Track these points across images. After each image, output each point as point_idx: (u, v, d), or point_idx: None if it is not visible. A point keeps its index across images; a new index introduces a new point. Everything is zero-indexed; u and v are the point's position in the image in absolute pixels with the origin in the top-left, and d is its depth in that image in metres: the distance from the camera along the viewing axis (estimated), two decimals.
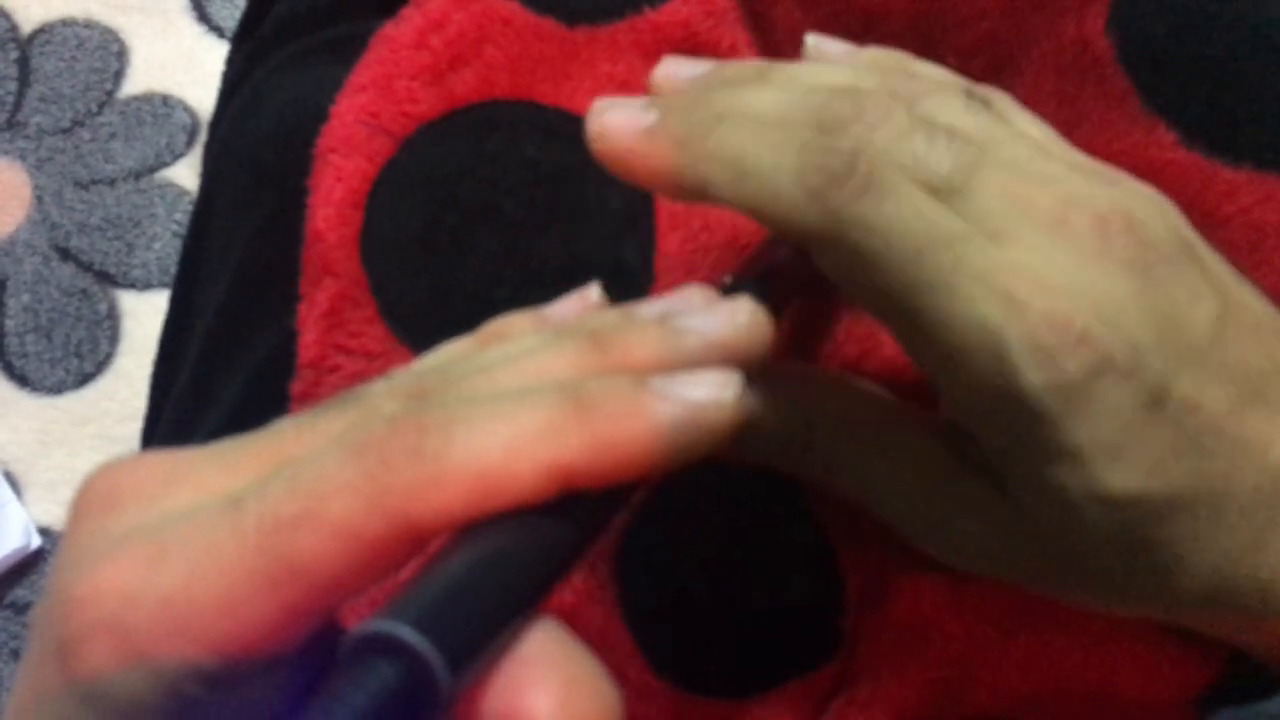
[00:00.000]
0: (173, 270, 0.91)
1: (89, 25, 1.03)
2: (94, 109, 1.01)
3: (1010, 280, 0.22)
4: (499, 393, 0.20)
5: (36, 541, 0.91)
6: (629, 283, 0.34)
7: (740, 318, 0.23)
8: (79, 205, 0.98)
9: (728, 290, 0.25)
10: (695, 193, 0.24)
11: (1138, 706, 0.33)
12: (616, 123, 0.25)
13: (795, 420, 0.26)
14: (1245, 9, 0.33)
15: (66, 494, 0.82)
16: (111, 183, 0.99)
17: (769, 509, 0.33)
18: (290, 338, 0.35)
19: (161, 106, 1.01)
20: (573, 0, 0.37)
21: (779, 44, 0.39)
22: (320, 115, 0.36)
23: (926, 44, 0.36)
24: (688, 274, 0.34)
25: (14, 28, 1.03)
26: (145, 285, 0.97)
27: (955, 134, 0.24)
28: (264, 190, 0.38)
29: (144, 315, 0.96)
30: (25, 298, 0.97)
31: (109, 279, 0.97)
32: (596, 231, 0.34)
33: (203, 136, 1.00)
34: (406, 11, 0.37)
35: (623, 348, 0.22)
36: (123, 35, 1.03)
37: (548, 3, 0.37)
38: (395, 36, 0.37)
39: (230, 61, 0.45)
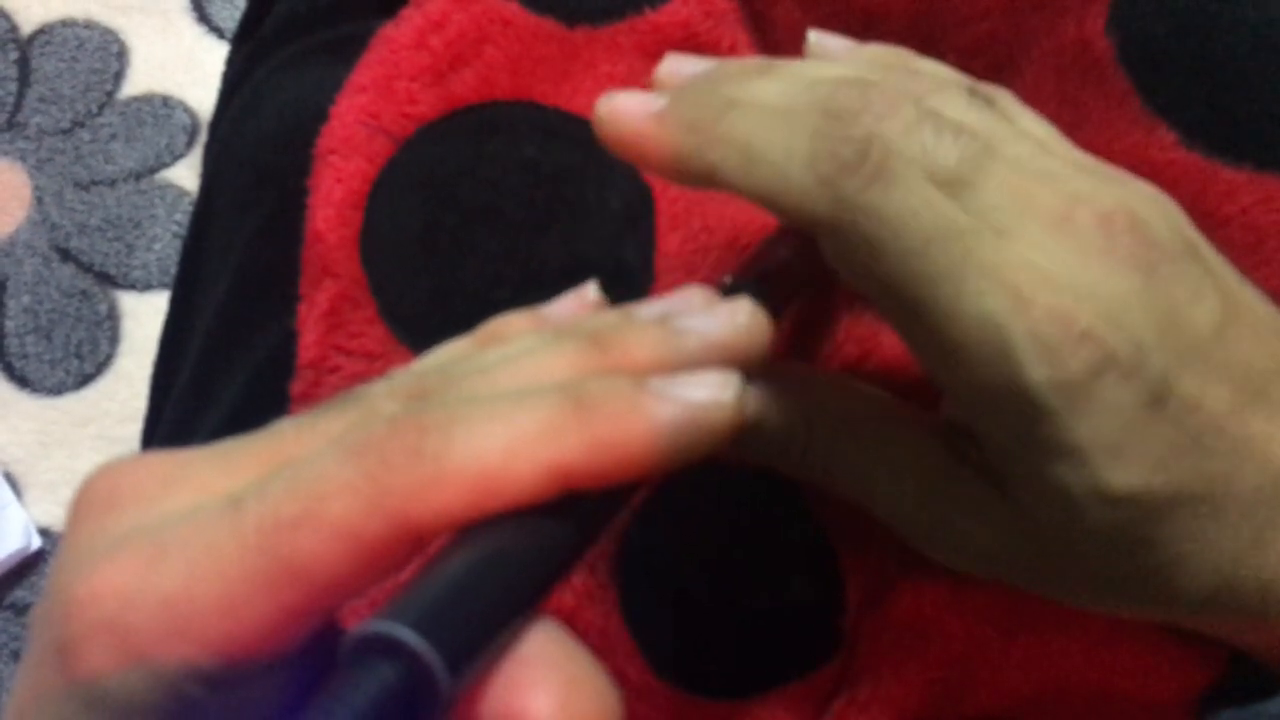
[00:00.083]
0: (173, 271, 0.91)
1: (89, 26, 1.03)
2: (94, 110, 1.01)
3: (1015, 275, 0.22)
4: (499, 393, 0.20)
5: (37, 542, 0.91)
6: (629, 283, 0.34)
7: (740, 318, 0.23)
8: (79, 206, 0.98)
9: (728, 291, 0.25)
10: (703, 178, 0.24)
11: (1138, 707, 0.33)
12: (627, 106, 0.25)
13: (795, 420, 0.26)
14: (1245, 9, 0.33)
15: (66, 495, 0.82)
16: (112, 183, 0.99)
17: (769, 509, 0.33)
18: (290, 338, 0.35)
19: (161, 107, 1.01)
20: (573, 1, 0.37)
21: (779, 44, 0.39)
22: (320, 116, 0.36)
23: (927, 44, 0.36)
24: (688, 274, 0.34)
25: (14, 28, 1.03)
26: (145, 286, 0.97)
27: (961, 129, 0.24)
28: (264, 191, 0.38)
29: (144, 316, 0.96)
30: (25, 299, 0.97)
31: (109, 280, 0.97)
32: (596, 232, 0.34)
33: (203, 137, 1.00)
34: (406, 12, 0.37)
35: (622, 348, 0.22)
36: (123, 36, 1.03)
37: (548, 3, 0.37)
38: (395, 37, 0.37)
39: (230, 62, 0.45)
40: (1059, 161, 0.25)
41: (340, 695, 0.17)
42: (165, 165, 0.99)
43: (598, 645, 0.33)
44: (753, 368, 0.23)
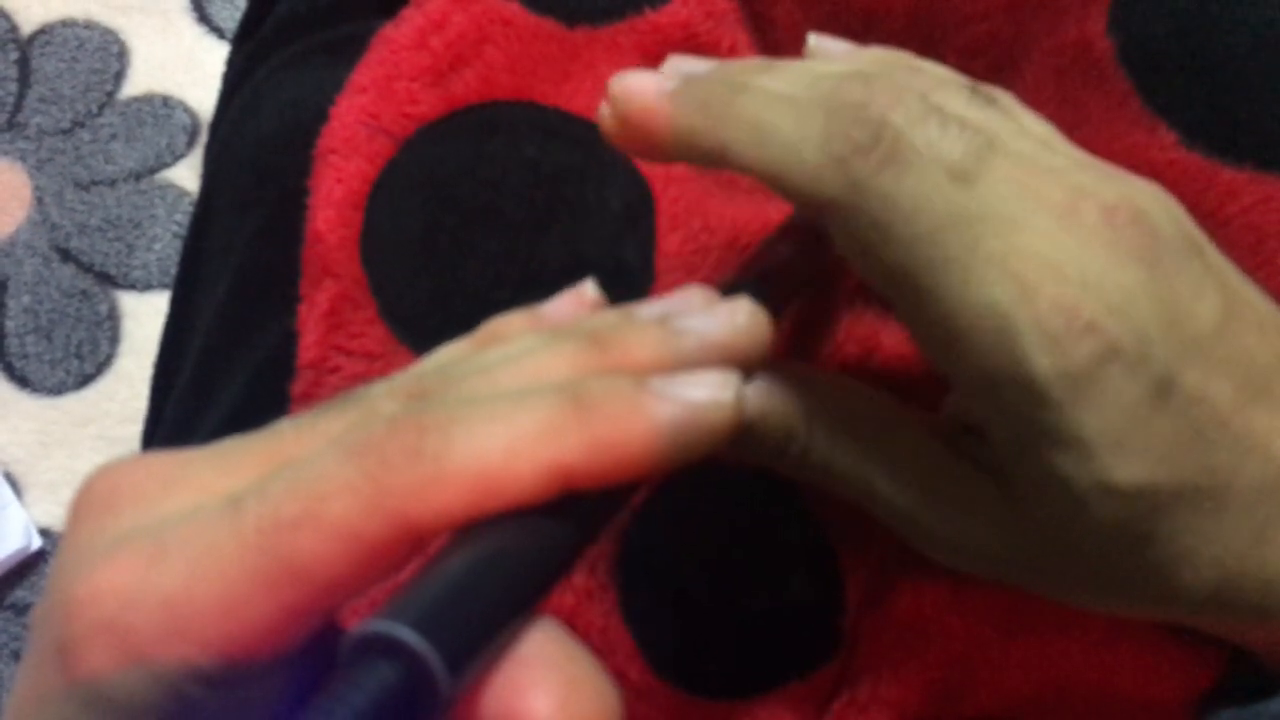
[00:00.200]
0: (173, 271, 0.91)
1: (89, 26, 1.03)
2: (94, 110, 1.01)
3: (1022, 265, 0.22)
4: (498, 393, 0.20)
5: (37, 542, 0.91)
6: (629, 283, 0.34)
7: (740, 318, 0.23)
8: (79, 206, 0.98)
9: (728, 291, 0.25)
10: (713, 157, 0.24)
11: (1139, 707, 0.33)
12: (640, 84, 0.25)
13: (794, 420, 0.26)
14: (1245, 9, 0.33)
15: (67, 495, 0.82)
16: (112, 184, 0.99)
17: (769, 509, 0.33)
18: (291, 338, 0.35)
19: (162, 107, 1.01)
20: (573, 1, 0.37)
21: (779, 44, 0.39)
22: (320, 116, 0.36)
23: (927, 44, 0.36)
24: (688, 274, 0.34)
25: (14, 29, 1.03)
26: (146, 286, 0.97)
27: (965, 123, 0.24)
28: (264, 191, 0.38)
29: (144, 316, 0.96)
30: (26, 299, 0.97)
31: (109, 280, 0.97)
32: (597, 232, 0.34)
33: (203, 137, 1.00)
34: (407, 12, 0.37)
35: (622, 348, 0.22)
36: (123, 36, 1.03)
37: (548, 3, 0.37)
38: (395, 37, 0.37)
39: (230, 62, 0.45)
40: (1061, 157, 0.25)
41: (340, 695, 0.17)
42: (165, 165, 0.99)
43: (598, 645, 0.33)
44: (752, 367, 0.23)
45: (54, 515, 0.93)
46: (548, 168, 0.35)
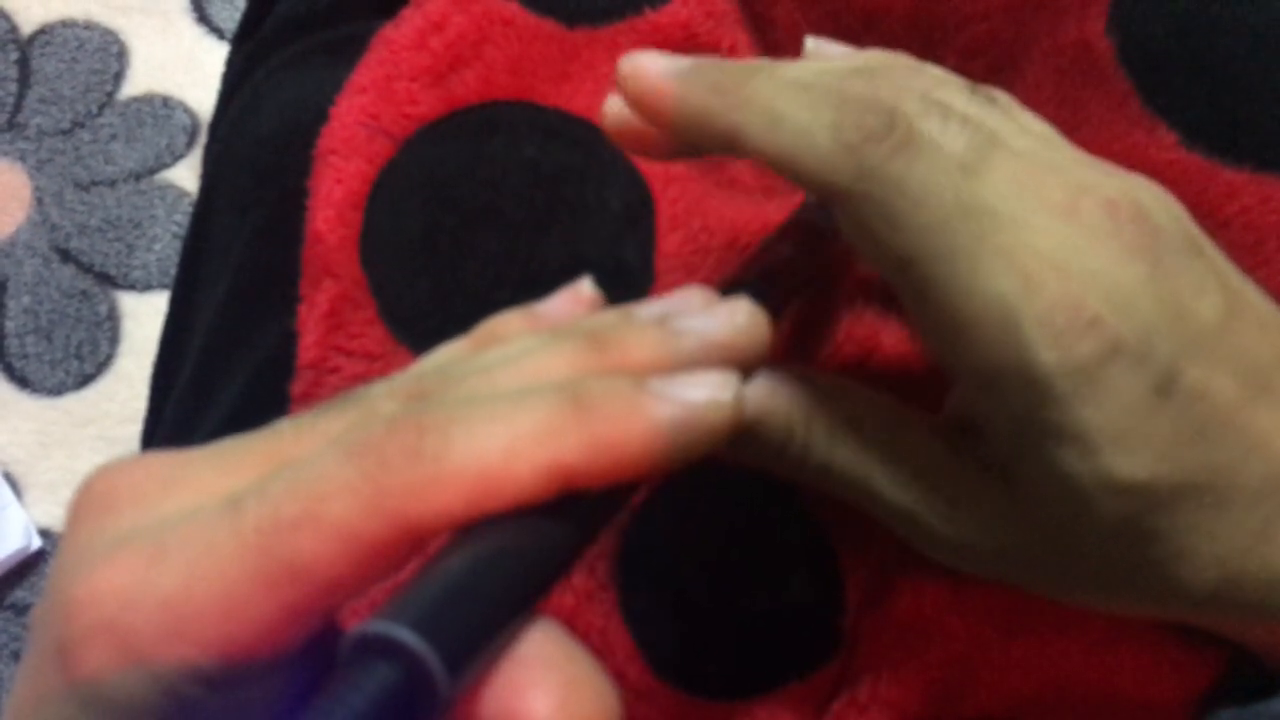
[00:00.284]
0: (173, 272, 0.91)
1: (89, 26, 1.03)
2: (94, 110, 1.01)
3: (1027, 260, 0.22)
4: (498, 393, 0.20)
5: (37, 543, 0.91)
6: (629, 283, 0.34)
7: (739, 319, 0.23)
8: (79, 206, 0.98)
9: (727, 291, 0.25)
10: (723, 140, 0.24)
11: (1138, 707, 0.33)
12: (651, 63, 0.25)
13: (793, 420, 0.26)
14: (1245, 9, 0.33)
15: (67, 495, 0.82)
16: (112, 184, 0.99)
17: (768, 510, 0.33)
18: (290, 339, 0.35)
19: (161, 108, 1.01)
20: (573, 1, 0.37)
21: (779, 44, 0.39)
22: (320, 116, 0.36)
23: (927, 44, 0.36)
24: (688, 275, 0.34)
25: (14, 29, 1.03)
26: (145, 287, 0.97)
27: (967, 119, 0.24)
28: (264, 191, 0.38)
29: (144, 316, 0.96)
30: (25, 299, 0.97)
31: (109, 280, 0.97)
32: (596, 232, 0.34)
33: (203, 138, 1.00)
34: (406, 13, 0.37)
35: (621, 348, 0.22)
36: (123, 36, 1.03)
37: (548, 4, 0.37)
38: (395, 38, 0.37)
39: (230, 63, 0.45)
40: (1061, 155, 0.25)
41: (339, 696, 0.17)
42: (165, 166, 0.99)
43: (597, 646, 0.33)
44: (751, 368, 0.23)
45: (54, 515, 0.93)
46: (548, 168, 0.35)
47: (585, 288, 0.25)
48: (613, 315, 0.24)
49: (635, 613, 0.33)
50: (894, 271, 0.23)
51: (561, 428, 0.19)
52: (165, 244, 0.98)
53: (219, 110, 0.45)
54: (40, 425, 0.94)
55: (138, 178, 0.99)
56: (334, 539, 0.18)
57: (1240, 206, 0.32)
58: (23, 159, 1.00)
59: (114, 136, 1.00)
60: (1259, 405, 0.23)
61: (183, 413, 0.39)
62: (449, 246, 0.34)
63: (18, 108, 1.01)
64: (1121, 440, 0.22)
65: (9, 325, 0.96)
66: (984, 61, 0.36)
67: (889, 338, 0.33)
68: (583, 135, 0.35)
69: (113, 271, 0.97)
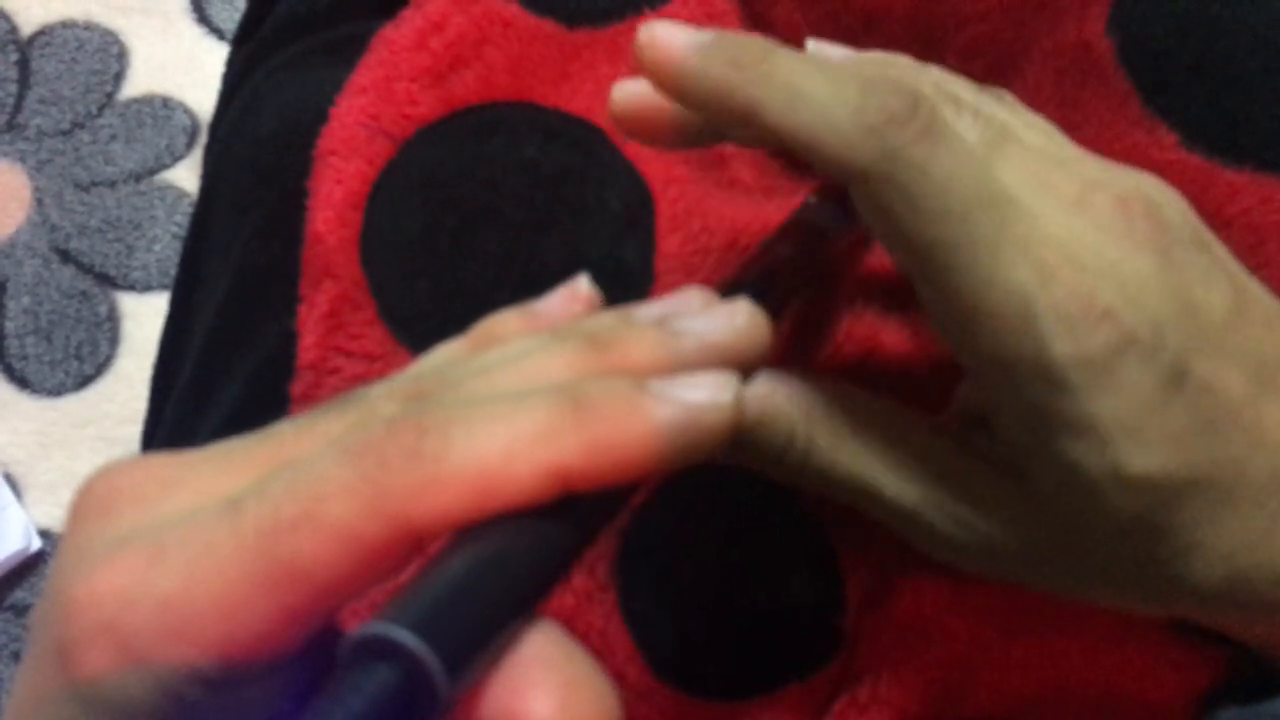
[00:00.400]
0: (173, 272, 0.91)
1: (89, 27, 1.03)
2: (94, 111, 1.01)
3: (1043, 251, 0.22)
4: (497, 394, 0.20)
5: (37, 544, 0.91)
6: (629, 284, 0.34)
7: (739, 320, 0.23)
8: (79, 207, 0.98)
9: (727, 291, 0.25)
10: (741, 115, 0.23)
11: (1139, 707, 0.33)
12: (670, 34, 0.24)
13: (794, 424, 0.26)
14: (1246, 10, 0.33)
15: (66, 496, 0.82)
16: (112, 185, 0.99)
17: (768, 510, 0.33)
18: (290, 339, 0.35)
19: (161, 108, 1.01)
20: (573, 2, 0.37)
21: None
22: (320, 117, 0.36)
23: (927, 45, 0.36)
24: (688, 275, 0.34)
25: (14, 30, 1.03)
26: (145, 287, 0.97)
27: (978, 111, 0.24)
28: (264, 192, 0.38)
29: (144, 317, 0.96)
30: (25, 300, 0.97)
31: (109, 281, 0.97)
32: (596, 233, 0.34)
33: (203, 138, 1.00)
34: (406, 13, 0.37)
35: (621, 350, 0.22)
36: (123, 37, 1.03)
37: (548, 4, 0.37)
38: (395, 38, 0.37)
39: (230, 63, 0.45)
40: (1068, 151, 0.25)
41: (338, 698, 0.17)
42: (165, 166, 1.00)
43: (597, 646, 0.33)
44: (752, 368, 0.23)
45: (54, 516, 0.93)
46: (548, 168, 0.35)
47: (582, 285, 0.25)
48: (612, 316, 0.24)
49: (635, 613, 0.33)
50: (912, 257, 0.23)
51: (561, 429, 0.19)
52: (165, 244, 0.98)
53: (219, 111, 0.45)
54: (40, 426, 0.94)
55: (138, 178, 0.99)
56: (333, 540, 0.18)
57: (1241, 207, 0.32)
58: (23, 159, 1.00)
59: (114, 137, 1.00)
60: (1266, 401, 0.23)
61: (183, 413, 0.39)
62: (449, 247, 0.34)
63: (18, 108, 1.01)
64: (1134, 433, 0.22)
65: (9, 326, 0.96)
66: (984, 62, 0.36)
67: (889, 337, 0.33)
68: (583, 136, 0.35)
69: (112, 272, 0.97)
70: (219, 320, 0.38)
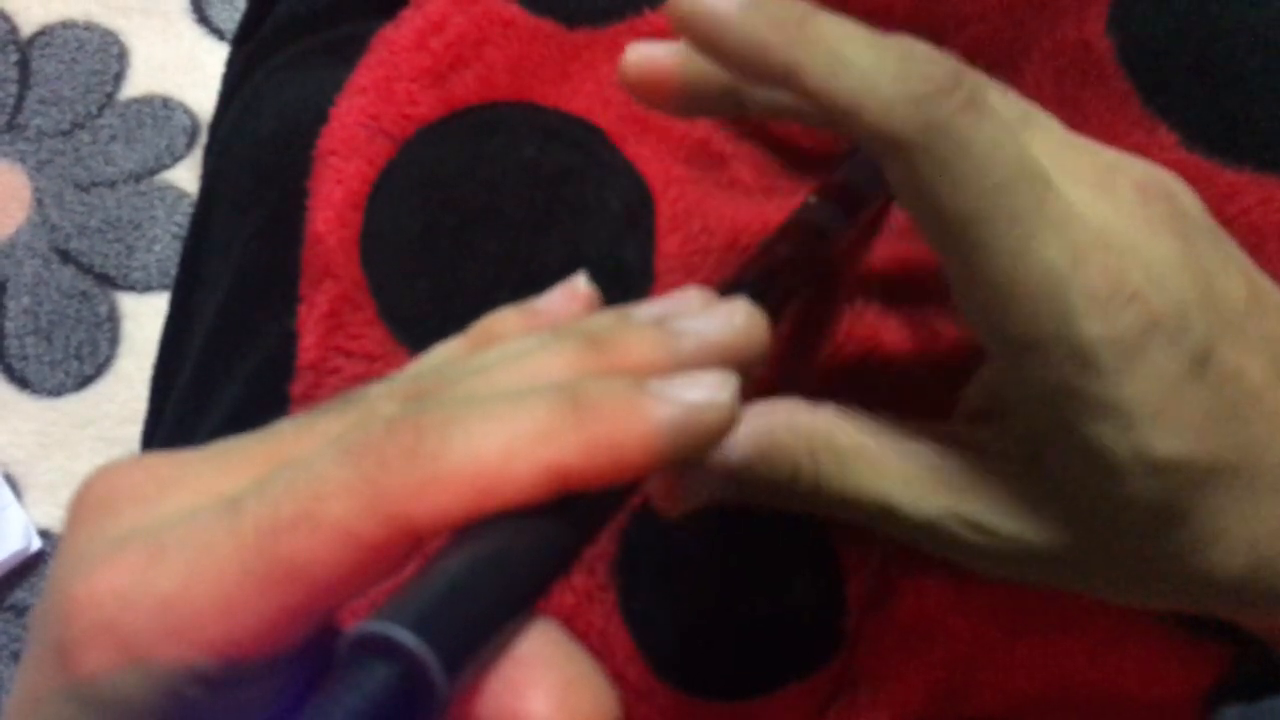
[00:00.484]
0: (173, 272, 0.91)
1: (89, 27, 1.03)
2: (94, 111, 1.01)
3: (1076, 230, 0.22)
4: (496, 394, 0.20)
5: (36, 544, 0.91)
6: (629, 284, 0.34)
7: (738, 319, 0.23)
8: (79, 207, 0.99)
9: (727, 291, 0.25)
10: (781, 77, 0.23)
11: (1143, 706, 0.33)
12: None
13: (798, 453, 0.25)
14: (1246, 10, 0.33)
15: (66, 496, 0.81)
16: (112, 185, 0.99)
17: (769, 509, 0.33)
18: (290, 339, 0.35)
19: (161, 109, 1.01)
20: (573, 2, 0.37)
21: None
22: (320, 117, 0.36)
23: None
24: (688, 275, 0.34)
25: (14, 30, 1.03)
26: (145, 287, 0.97)
27: (1006, 92, 0.24)
28: (264, 192, 0.38)
29: (144, 317, 0.97)
30: (25, 300, 0.97)
31: (109, 281, 0.97)
32: (596, 233, 0.34)
33: (203, 138, 1.00)
34: (406, 13, 0.37)
35: (620, 349, 0.22)
36: (123, 37, 1.03)
37: (548, 4, 0.37)
38: (395, 38, 0.37)
39: (230, 63, 0.45)
40: (1082, 138, 0.25)
41: (337, 696, 0.17)
42: (165, 167, 1.00)
43: (597, 646, 0.33)
44: (751, 368, 0.23)
45: (53, 516, 0.93)
46: (547, 168, 0.35)
47: (581, 284, 0.25)
48: (611, 316, 0.24)
49: (635, 613, 0.33)
50: (945, 232, 0.23)
51: (560, 428, 0.19)
52: (165, 245, 0.98)
53: (219, 111, 0.45)
54: (40, 426, 0.94)
55: (138, 179, 0.99)
56: (332, 539, 0.18)
57: (1241, 207, 0.32)
58: (23, 160, 1.00)
59: (114, 137, 1.00)
60: None
61: (183, 413, 0.39)
62: (449, 247, 0.34)
63: (18, 109, 1.01)
64: (1159, 416, 0.22)
65: (9, 326, 0.96)
66: (984, 62, 0.36)
67: (889, 337, 0.33)
68: (583, 136, 0.35)
69: (112, 272, 0.97)
70: (219, 320, 0.38)
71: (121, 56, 1.02)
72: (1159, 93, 0.33)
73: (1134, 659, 0.33)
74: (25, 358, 0.96)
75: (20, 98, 1.01)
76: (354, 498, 0.18)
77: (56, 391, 0.95)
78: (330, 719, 0.16)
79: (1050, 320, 0.22)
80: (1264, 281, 0.25)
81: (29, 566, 0.91)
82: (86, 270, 0.97)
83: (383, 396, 0.21)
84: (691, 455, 0.20)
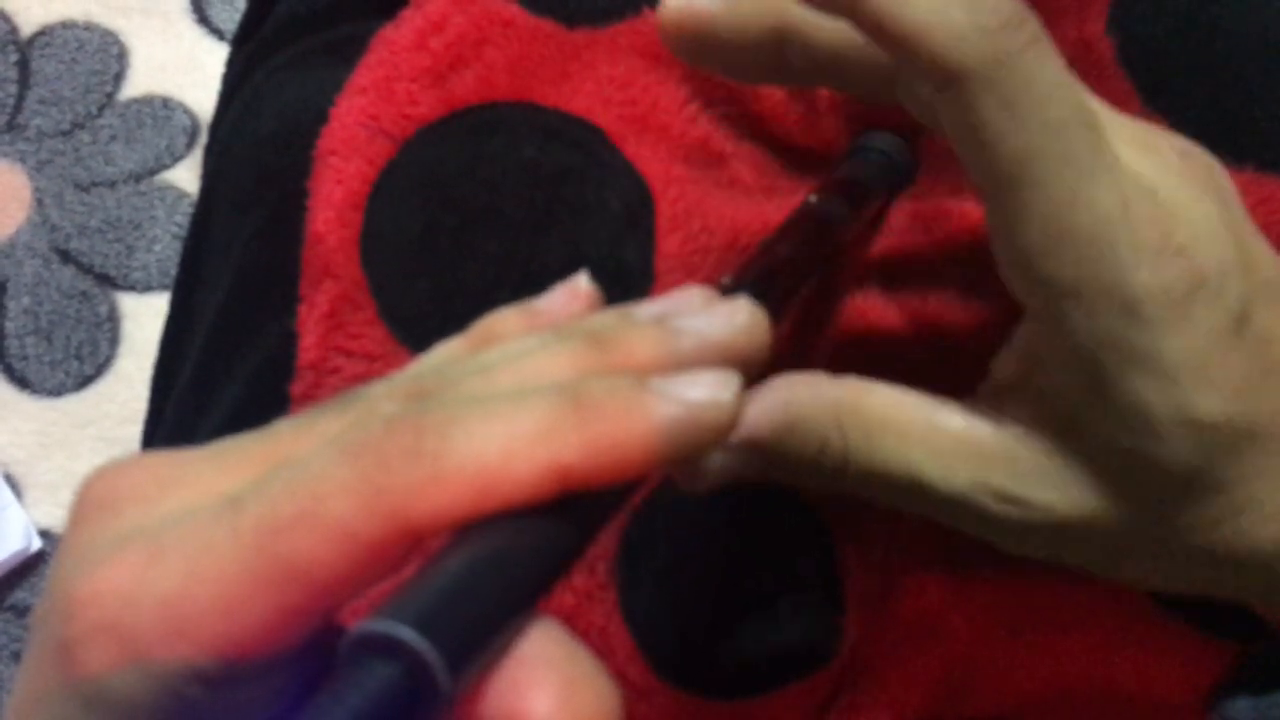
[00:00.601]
0: (173, 272, 0.91)
1: (89, 27, 1.03)
2: (94, 111, 1.01)
3: (1125, 181, 0.22)
4: (497, 393, 0.20)
5: (37, 544, 0.91)
6: (629, 284, 0.34)
7: (739, 318, 0.23)
8: (79, 207, 0.98)
9: (727, 291, 0.25)
10: (844, 6, 0.23)
11: (1146, 703, 0.33)
12: None
13: (825, 427, 0.25)
14: (1245, 9, 0.33)
15: (67, 496, 0.82)
16: (112, 185, 0.99)
17: (769, 509, 0.33)
18: (290, 339, 0.35)
19: (161, 109, 1.01)
20: (573, 2, 0.37)
21: None
22: (320, 117, 0.36)
23: None
24: (688, 275, 0.34)
25: (14, 30, 1.03)
26: (145, 287, 0.97)
27: None
28: (264, 192, 0.38)
29: (144, 317, 0.97)
30: (25, 300, 0.97)
31: (109, 281, 0.97)
32: (596, 232, 0.34)
33: (203, 139, 1.00)
34: (406, 13, 0.37)
35: (621, 348, 0.22)
36: (123, 37, 1.03)
37: (548, 4, 0.37)
38: (395, 39, 0.37)
39: (230, 63, 0.45)
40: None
41: (339, 694, 0.16)
42: (165, 167, 1.00)
43: (598, 646, 0.33)
44: (752, 368, 0.23)
45: (54, 516, 0.93)
46: (547, 168, 0.35)
47: (582, 283, 0.25)
48: (612, 315, 0.23)
49: (635, 613, 0.33)
50: (999, 169, 0.22)
51: (561, 427, 0.19)
52: (165, 245, 0.98)
53: (219, 111, 0.45)
54: (40, 426, 0.94)
55: (138, 179, 0.99)
56: (332, 539, 0.18)
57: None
58: (23, 160, 1.00)
59: (114, 137, 1.00)
60: None
61: (183, 413, 0.39)
62: (449, 247, 0.34)
63: (18, 109, 1.01)
64: (1200, 374, 0.22)
65: (9, 326, 0.96)
66: None
67: (892, 326, 0.33)
68: (583, 136, 0.35)
69: (113, 272, 0.97)
70: (219, 320, 0.38)
71: (121, 56, 1.02)
72: (1159, 93, 0.33)
73: (1135, 658, 0.33)
74: (25, 358, 0.96)
75: (20, 98, 1.01)
76: (354, 497, 0.18)
77: (57, 391, 0.95)
78: (333, 718, 0.16)
79: (1099, 266, 0.22)
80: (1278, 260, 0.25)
81: (29, 566, 0.91)
82: (86, 270, 0.97)
83: (383, 396, 0.21)
84: (693, 454, 0.20)
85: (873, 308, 0.33)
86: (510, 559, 0.19)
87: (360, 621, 0.17)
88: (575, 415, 0.19)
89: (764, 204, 0.35)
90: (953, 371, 0.28)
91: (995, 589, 0.32)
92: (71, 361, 0.96)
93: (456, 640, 0.17)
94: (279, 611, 0.18)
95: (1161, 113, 0.33)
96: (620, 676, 0.33)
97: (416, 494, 0.18)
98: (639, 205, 0.34)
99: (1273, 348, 0.23)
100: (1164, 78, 0.33)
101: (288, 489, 0.18)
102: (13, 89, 1.01)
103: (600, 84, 0.36)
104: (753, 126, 0.36)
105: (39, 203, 0.99)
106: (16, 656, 0.90)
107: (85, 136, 1.00)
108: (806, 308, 0.33)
